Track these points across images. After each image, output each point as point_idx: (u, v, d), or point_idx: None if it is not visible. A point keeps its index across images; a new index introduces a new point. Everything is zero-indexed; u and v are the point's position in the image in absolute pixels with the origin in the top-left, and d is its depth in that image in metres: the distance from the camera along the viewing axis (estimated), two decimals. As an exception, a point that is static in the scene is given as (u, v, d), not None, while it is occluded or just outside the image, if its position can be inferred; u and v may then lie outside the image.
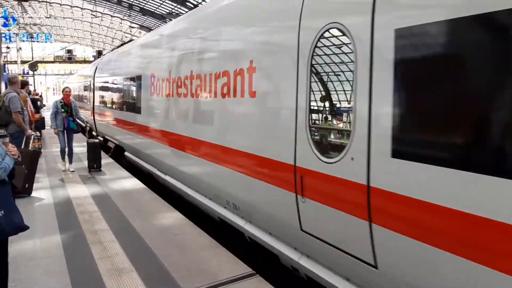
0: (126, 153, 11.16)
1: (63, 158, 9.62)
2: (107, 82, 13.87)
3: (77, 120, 9.64)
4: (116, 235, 5.32)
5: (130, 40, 16.32)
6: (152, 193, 7.52)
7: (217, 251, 4.75)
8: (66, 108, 9.21)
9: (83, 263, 4.50)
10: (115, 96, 12.31)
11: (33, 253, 4.77)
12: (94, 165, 9.60)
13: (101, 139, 14.14)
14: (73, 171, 9.45)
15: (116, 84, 12.27)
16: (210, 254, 4.65)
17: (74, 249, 4.91)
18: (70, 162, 9.67)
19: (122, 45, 14.90)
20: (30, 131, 8.38)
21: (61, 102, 9.25)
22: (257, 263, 4.80)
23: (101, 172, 9.41)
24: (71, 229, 5.57)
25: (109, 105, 13.32)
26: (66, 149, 9.47)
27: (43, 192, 7.51)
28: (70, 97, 9.50)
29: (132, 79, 10.15)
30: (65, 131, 9.29)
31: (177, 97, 6.86)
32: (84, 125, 10.75)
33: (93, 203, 6.89)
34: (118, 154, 12.03)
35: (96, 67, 16.46)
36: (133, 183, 8.35)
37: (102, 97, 14.77)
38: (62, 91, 9.88)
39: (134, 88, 9.96)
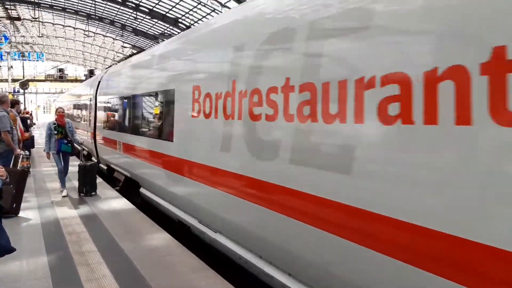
0: (143, 190, 8.54)
1: (62, 183, 9.03)
2: (117, 100, 11.01)
3: (74, 142, 9.09)
4: (104, 257, 5.26)
5: (141, 50, 14.20)
6: (141, 213, 7.47)
7: (206, 274, 4.71)
8: (60, 130, 8.75)
9: (69, 285, 4.44)
10: (129, 117, 9.69)
11: (19, 274, 4.69)
12: (84, 188, 8.95)
13: (104, 167, 12.58)
14: (65, 196, 8.80)
15: (131, 101, 9.50)
16: (199, 277, 4.61)
17: (61, 270, 4.84)
18: (63, 186, 9.09)
19: (134, 54, 12.54)
20: (19, 150, 8.32)
21: (54, 124, 8.81)
22: (247, 284, 4.77)
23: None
24: (58, 250, 5.50)
25: (118, 128, 10.62)
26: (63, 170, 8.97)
27: (30, 212, 7.43)
28: (64, 118, 9.01)
29: (156, 95, 7.65)
30: (61, 154, 8.84)
31: (251, 120, 4.25)
32: (80, 148, 9.91)
33: (81, 223, 6.82)
34: (129, 188, 9.74)
35: (99, 82, 13.64)
36: (122, 203, 8.29)
37: (109, 117, 12.15)
38: (55, 111, 9.32)
39: (161, 107, 7.30)
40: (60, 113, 8.94)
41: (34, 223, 6.86)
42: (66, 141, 8.78)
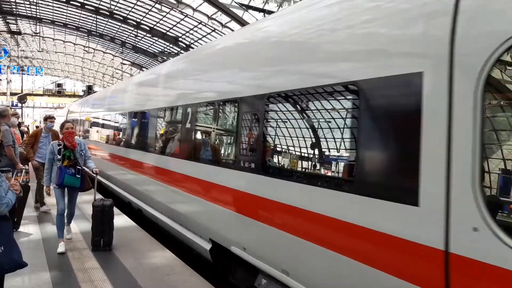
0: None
1: (61, 231, 6.27)
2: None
3: (86, 169, 6.56)
4: (107, 274, 5.24)
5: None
6: (143, 231, 7.45)
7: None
8: (68, 154, 6.28)
9: (74, 302, 4.42)
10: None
11: (22, 290, 4.67)
12: (102, 240, 6.29)
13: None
14: (69, 239, 6.75)
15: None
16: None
17: (65, 287, 4.82)
18: (68, 224, 6.81)
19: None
20: (21, 165, 8.32)
21: (59, 145, 6.28)
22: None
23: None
24: (60, 267, 5.48)
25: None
26: (66, 211, 6.43)
27: (31, 227, 7.40)
28: (75, 137, 6.50)
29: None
30: (65, 188, 6.31)
31: None
32: (94, 176, 6.72)
33: (83, 240, 6.81)
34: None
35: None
36: (123, 220, 8.27)
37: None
38: (61, 127, 6.64)
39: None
40: (68, 130, 6.38)
41: (35, 238, 6.83)
42: (73, 171, 6.25)
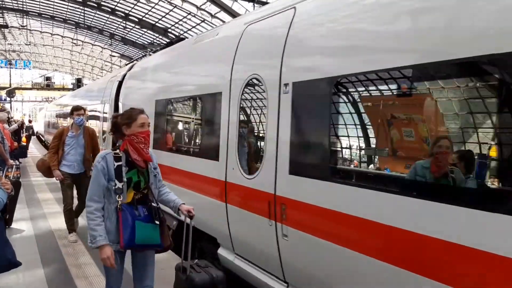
0: None
1: None
2: None
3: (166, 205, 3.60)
4: (102, 269, 5.22)
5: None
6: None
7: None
8: (137, 178, 3.26)
9: (68, 298, 4.42)
10: None
11: (16, 287, 4.66)
12: None
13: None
14: None
15: None
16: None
17: (59, 283, 4.83)
18: None
19: None
20: (11, 161, 8.26)
21: (117, 158, 3.18)
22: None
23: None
24: (54, 263, 5.47)
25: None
26: None
27: (23, 224, 7.36)
28: (150, 137, 3.35)
29: None
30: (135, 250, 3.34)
31: None
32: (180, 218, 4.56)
33: (75, 234, 6.78)
34: None
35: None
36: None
37: None
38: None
39: None
40: (144, 131, 3.26)
41: (27, 234, 6.80)
42: (146, 212, 3.25)
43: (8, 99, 41.64)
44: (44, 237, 6.63)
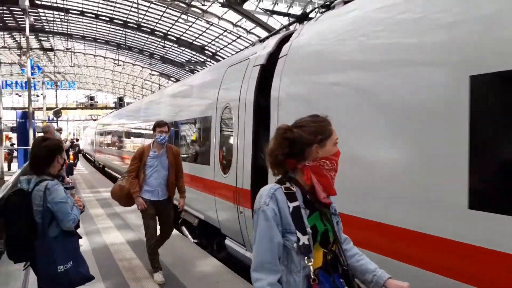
0: None
1: None
2: None
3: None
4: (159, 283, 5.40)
5: None
6: (187, 240, 7.63)
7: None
8: (322, 228, 1.98)
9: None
10: None
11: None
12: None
13: None
14: None
15: None
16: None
17: (120, 297, 5.00)
18: None
19: None
20: (67, 178, 8.66)
21: (291, 198, 1.92)
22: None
23: (133, 217, 9.53)
24: (113, 277, 5.67)
25: None
26: None
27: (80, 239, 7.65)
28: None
29: None
30: None
31: None
32: None
33: (130, 249, 7.02)
34: None
35: None
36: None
37: None
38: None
39: None
40: (336, 146, 2.05)
41: (85, 249, 7.03)
42: (344, 283, 1.93)
43: (55, 119, 43.59)
44: (101, 252, 6.88)
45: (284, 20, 29.10)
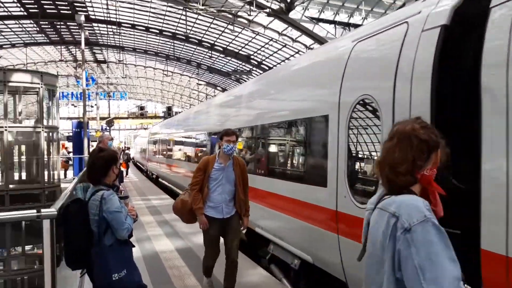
0: None
1: None
2: None
3: None
4: (208, 292, 5.44)
5: None
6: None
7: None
8: None
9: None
10: None
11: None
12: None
13: None
14: None
15: None
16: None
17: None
18: None
19: None
20: (122, 188, 8.95)
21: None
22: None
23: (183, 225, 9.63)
24: (163, 285, 5.77)
25: None
26: None
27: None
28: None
29: None
30: None
31: None
32: None
33: (179, 257, 7.13)
34: None
35: None
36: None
37: None
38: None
39: None
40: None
41: (136, 256, 7.16)
42: None
43: (107, 128, 45.44)
44: (152, 259, 7.03)
45: (331, 28, 28.98)
